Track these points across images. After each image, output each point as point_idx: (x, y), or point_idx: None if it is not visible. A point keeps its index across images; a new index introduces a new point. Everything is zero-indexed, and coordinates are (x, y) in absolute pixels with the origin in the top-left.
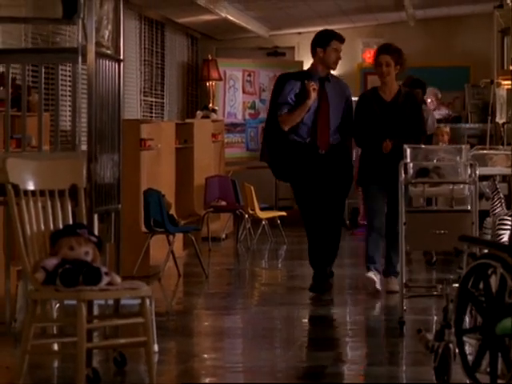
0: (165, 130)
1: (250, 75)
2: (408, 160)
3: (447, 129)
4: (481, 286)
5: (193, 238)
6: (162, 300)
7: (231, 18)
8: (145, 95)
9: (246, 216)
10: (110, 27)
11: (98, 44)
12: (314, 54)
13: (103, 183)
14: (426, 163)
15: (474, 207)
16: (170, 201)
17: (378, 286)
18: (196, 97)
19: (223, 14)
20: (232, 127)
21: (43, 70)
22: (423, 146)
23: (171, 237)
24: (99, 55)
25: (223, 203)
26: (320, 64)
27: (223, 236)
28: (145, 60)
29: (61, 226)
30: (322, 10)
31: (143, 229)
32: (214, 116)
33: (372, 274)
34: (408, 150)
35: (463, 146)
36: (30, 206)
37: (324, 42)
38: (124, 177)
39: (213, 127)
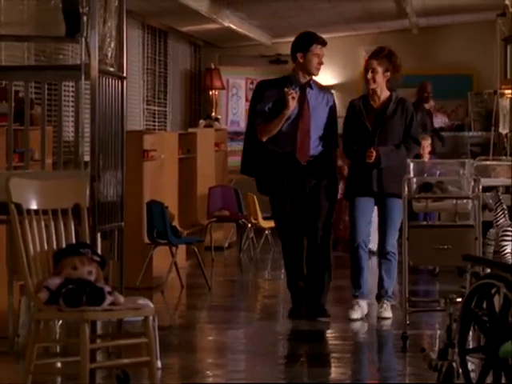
0: (167, 141)
1: (252, 83)
2: (411, 175)
3: (429, 141)
4: (484, 305)
5: (196, 250)
6: (165, 313)
7: (234, 27)
8: (148, 104)
9: (249, 225)
10: (113, 44)
11: (101, 62)
12: (294, 59)
13: (106, 201)
14: (430, 178)
15: (477, 222)
16: (173, 212)
17: (356, 316)
18: (199, 105)
19: (226, 24)
20: (235, 135)
21: (46, 87)
22: (426, 160)
23: (174, 248)
24: (102, 73)
25: (226, 213)
26: (300, 70)
27: (226, 245)
28: (147, 69)
29: (64, 246)
30: (324, 18)
31: (146, 240)
32: (216, 125)
33: (355, 307)
34: (411, 165)
35: (466, 161)
36: (32, 225)
37: (304, 47)
38: (127, 188)
39: (216, 136)
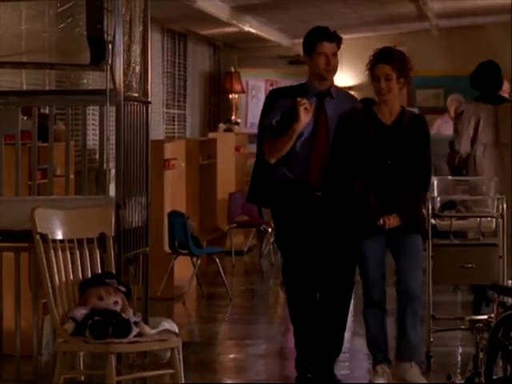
0: (188, 148)
1: (272, 85)
2: (435, 193)
3: None
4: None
5: (217, 260)
6: (186, 327)
7: (254, 31)
8: (167, 107)
9: (270, 230)
10: (137, 69)
11: (126, 88)
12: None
13: (131, 228)
14: (454, 196)
15: (501, 241)
16: (194, 219)
17: (382, 382)
18: (218, 106)
19: (246, 28)
20: (255, 138)
21: (70, 112)
22: (450, 178)
23: (195, 259)
24: (127, 99)
25: (246, 218)
26: (312, 75)
27: (246, 249)
28: (167, 72)
29: (89, 275)
30: (345, 22)
31: (167, 250)
32: (236, 129)
33: (380, 372)
34: (435, 182)
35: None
36: (58, 255)
37: (309, 48)
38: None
39: (236, 140)
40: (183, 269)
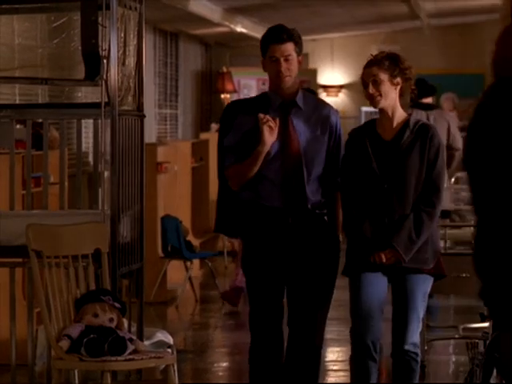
0: (181, 151)
1: (264, 84)
2: None
3: None
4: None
5: (209, 264)
6: (180, 333)
7: (245, 31)
8: (159, 107)
9: None
10: (132, 82)
11: (120, 101)
12: None
13: (126, 242)
14: (448, 205)
15: None
16: (186, 222)
17: None
18: (210, 104)
19: (238, 29)
20: None
21: (65, 126)
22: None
23: (188, 263)
24: (122, 113)
25: None
26: (271, 83)
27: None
28: (159, 72)
29: (85, 291)
30: (336, 21)
31: (160, 254)
32: None
33: None
34: None
35: None
36: (53, 271)
37: (262, 53)
38: None
39: None
40: (176, 272)
